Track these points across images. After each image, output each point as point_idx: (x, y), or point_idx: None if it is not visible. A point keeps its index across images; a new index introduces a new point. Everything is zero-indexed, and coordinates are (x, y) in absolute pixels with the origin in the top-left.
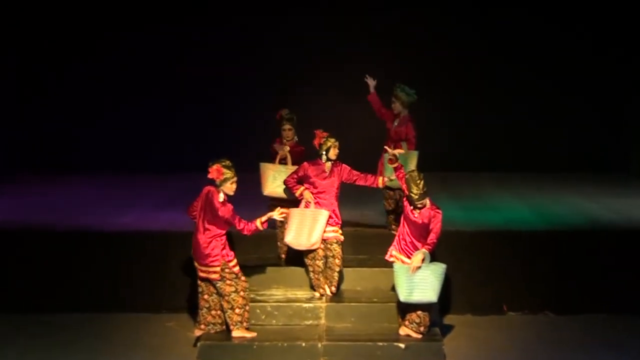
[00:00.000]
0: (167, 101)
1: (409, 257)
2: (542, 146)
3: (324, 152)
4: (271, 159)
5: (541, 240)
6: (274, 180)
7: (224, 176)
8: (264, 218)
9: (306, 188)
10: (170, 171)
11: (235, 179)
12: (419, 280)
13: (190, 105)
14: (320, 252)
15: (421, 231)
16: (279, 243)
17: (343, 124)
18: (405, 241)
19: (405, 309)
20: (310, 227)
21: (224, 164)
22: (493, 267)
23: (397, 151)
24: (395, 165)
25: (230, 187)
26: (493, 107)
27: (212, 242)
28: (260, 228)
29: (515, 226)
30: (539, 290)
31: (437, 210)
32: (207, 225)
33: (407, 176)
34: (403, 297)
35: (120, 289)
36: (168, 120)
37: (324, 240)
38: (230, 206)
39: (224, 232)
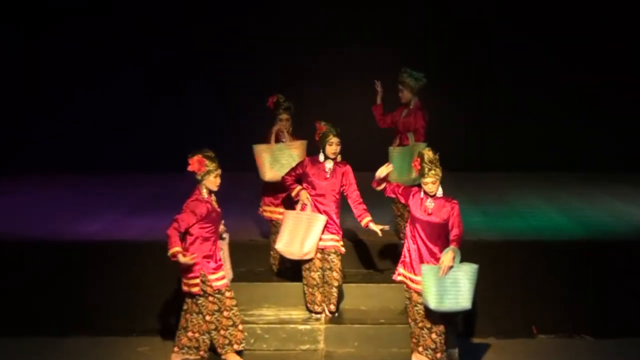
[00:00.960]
0: (141, 94)
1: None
2: (572, 144)
3: (322, 149)
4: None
5: (577, 250)
6: (273, 161)
7: (207, 168)
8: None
9: (304, 188)
10: (144, 171)
11: (219, 171)
12: (450, 284)
13: (168, 99)
14: (317, 263)
15: (439, 231)
16: (272, 252)
17: (345, 115)
18: (420, 252)
19: (419, 333)
20: (304, 233)
21: (206, 154)
22: (521, 282)
23: (383, 170)
24: (381, 187)
25: (213, 181)
26: (515, 101)
27: (190, 248)
28: (181, 260)
29: (546, 234)
30: (575, 309)
31: (454, 202)
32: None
33: (421, 154)
34: (434, 304)
35: (84, 308)
36: (144, 115)
37: (321, 250)
38: (205, 208)
39: (208, 236)
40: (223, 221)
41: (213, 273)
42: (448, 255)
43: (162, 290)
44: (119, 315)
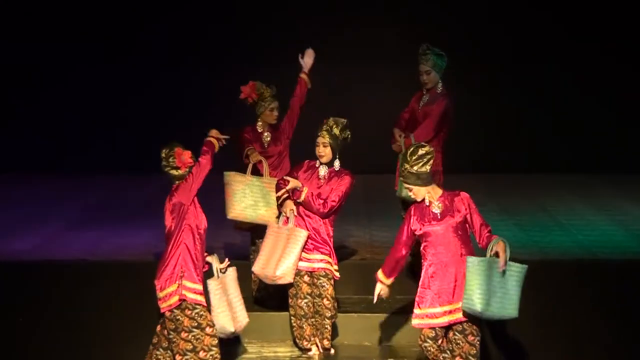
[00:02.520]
0: (83, 81)
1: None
2: (625, 140)
3: None
4: (241, 160)
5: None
6: (243, 197)
7: (193, 159)
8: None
9: (291, 197)
10: (92, 173)
11: None
12: (497, 284)
13: (121, 83)
14: (304, 288)
15: (460, 230)
16: (252, 276)
17: (345, 110)
18: (447, 274)
19: None
20: (281, 252)
21: (181, 145)
22: (567, 314)
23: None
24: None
25: None
26: (550, 92)
27: (171, 250)
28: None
29: (597, 252)
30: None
31: (462, 193)
32: (167, 230)
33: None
34: (480, 305)
35: (16, 344)
36: (87, 106)
37: (309, 273)
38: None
39: (193, 233)
40: (216, 256)
41: (194, 282)
42: (502, 245)
43: (115, 321)
44: (60, 354)
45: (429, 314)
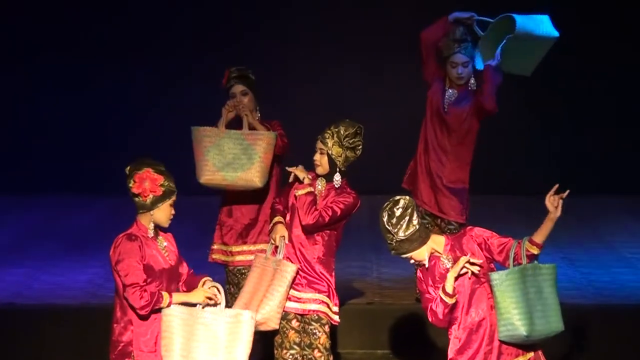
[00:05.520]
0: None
1: None
2: None
3: None
4: None
5: None
6: (218, 154)
7: (162, 189)
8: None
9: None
10: (22, 192)
11: (174, 197)
12: (534, 293)
13: (66, 82)
14: (292, 336)
15: (484, 277)
16: None
17: (346, 112)
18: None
19: None
20: (265, 289)
21: (158, 168)
22: None
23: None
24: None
25: (166, 212)
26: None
27: (123, 323)
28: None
29: None
30: None
31: (467, 229)
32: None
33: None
34: (526, 327)
35: None
36: (25, 111)
37: (300, 317)
38: (150, 253)
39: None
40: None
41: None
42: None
43: None
44: None
45: None
